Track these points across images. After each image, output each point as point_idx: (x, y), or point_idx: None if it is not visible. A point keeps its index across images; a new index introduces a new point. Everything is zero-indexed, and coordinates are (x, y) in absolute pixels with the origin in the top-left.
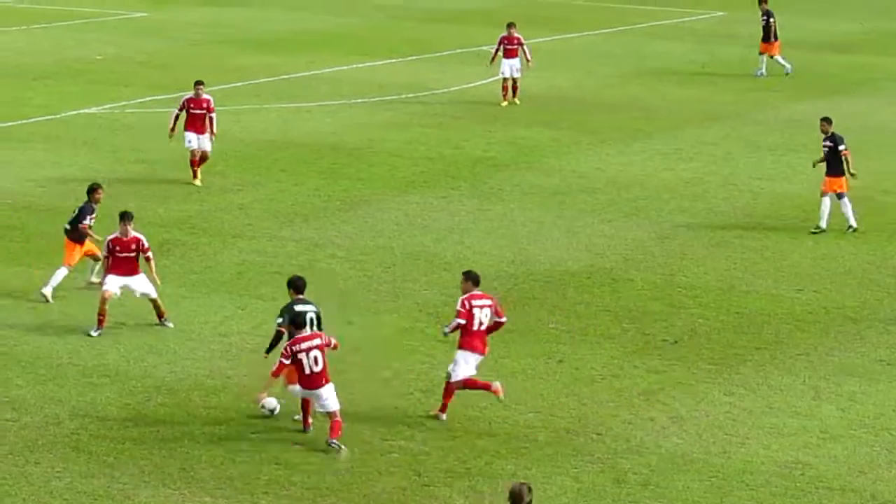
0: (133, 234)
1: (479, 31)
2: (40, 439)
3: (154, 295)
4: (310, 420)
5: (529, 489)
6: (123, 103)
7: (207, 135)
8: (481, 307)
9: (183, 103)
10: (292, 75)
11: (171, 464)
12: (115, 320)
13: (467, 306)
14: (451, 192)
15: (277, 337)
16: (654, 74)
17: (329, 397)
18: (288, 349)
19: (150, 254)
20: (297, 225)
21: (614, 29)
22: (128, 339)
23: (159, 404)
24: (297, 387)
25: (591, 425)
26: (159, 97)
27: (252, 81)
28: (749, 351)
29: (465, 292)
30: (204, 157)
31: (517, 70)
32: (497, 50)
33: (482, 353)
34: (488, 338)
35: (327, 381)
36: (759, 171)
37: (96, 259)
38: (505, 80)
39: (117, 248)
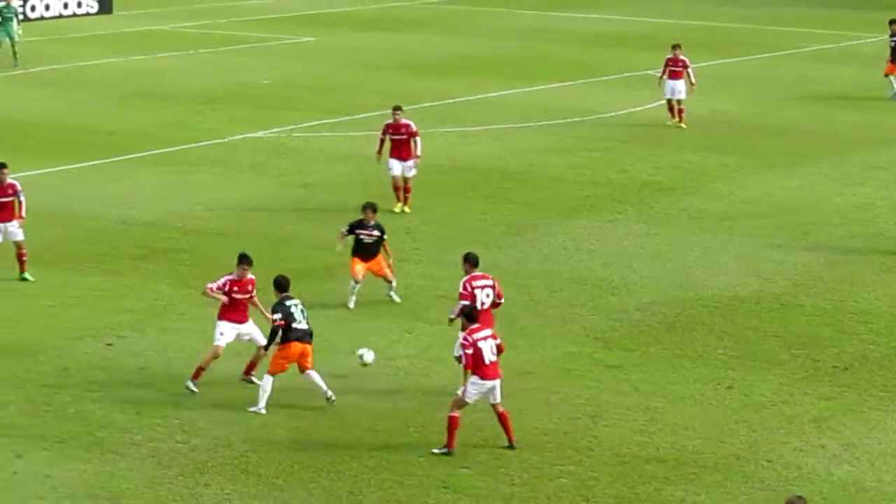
0: (250, 276)
1: (645, 55)
2: (210, 461)
3: (263, 342)
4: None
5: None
6: (290, 127)
7: (411, 161)
8: (482, 287)
9: (384, 128)
10: (457, 99)
11: (340, 487)
12: None
13: (469, 288)
14: (618, 216)
15: (274, 332)
16: (819, 98)
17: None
18: (468, 338)
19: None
20: (462, 249)
21: (779, 53)
22: None
23: (327, 428)
24: (476, 378)
25: (762, 452)
26: (326, 121)
27: (417, 106)
28: None
29: (466, 274)
30: (406, 185)
31: (680, 92)
32: (664, 71)
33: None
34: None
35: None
36: None
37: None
38: (669, 100)
39: (235, 290)
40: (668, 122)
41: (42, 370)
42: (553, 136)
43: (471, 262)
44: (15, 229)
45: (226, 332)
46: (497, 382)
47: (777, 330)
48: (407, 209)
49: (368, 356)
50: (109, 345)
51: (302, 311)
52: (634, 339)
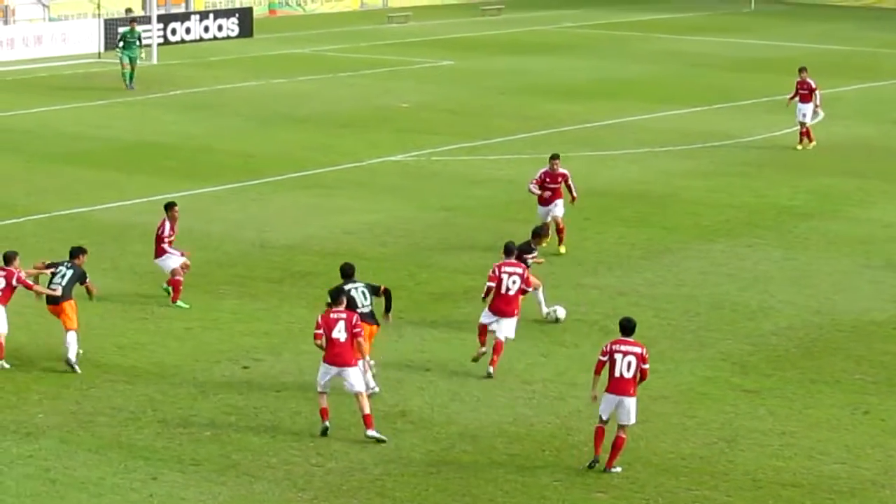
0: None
1: (784, 79)
2: (345, 484)
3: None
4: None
5: None
6: (429, 150)
7: (559, 200)
8: (510, 274)
9: (542, 177)
10: (596, 123)
11: None
12: (423, 367)
13: (497, 272)
14: (756, 240)
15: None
16: None
17: (632, 408)
18: (607, 347)
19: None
20: (600, 273)
21: None
22: (432, 385)
23: (462, 451)
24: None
25: None
26: (464, 145)
27: (557, 129)
28: None
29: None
30: (559, 226)
31: (805, 115)
32: (794, 94)
33: (505, 315)
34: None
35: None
36: None
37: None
38: (802, 123)
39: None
40: (798, 147)
41: (178, 393)
42: (691, 161)
43: (506, 250)
44: None
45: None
46: (622, 399)
47: None
48: (563, 249)
49: (561, 312)
50: (245, 368)
51: (364, 293)
52: (771, 363)
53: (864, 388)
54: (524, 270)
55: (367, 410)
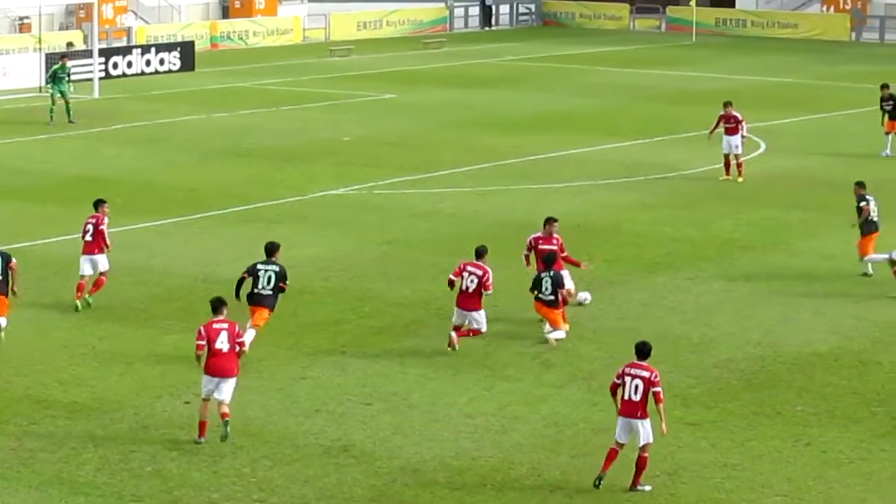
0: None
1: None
2: None
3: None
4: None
5: None
6: (371, 184)
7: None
8: (470, 273)
9: (533, 242)
10: (539, 156)
11: None
12: (365, 401)
13: (461, 267)
14: (698, 273)
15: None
16: None
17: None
18: (621, 369)
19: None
20: None
21: (863, 109)
22: (374, 419)
23: (404, 485)
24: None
25: None
26: (407, 178)
27: (499, 162)
28: None
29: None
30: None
31: (737, 147)
32: (715, 126)
33: (465, 309)
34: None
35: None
36: None
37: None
38: (726, 155)
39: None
40: (722, 178)
41: (119, 428)
42: (634, 193)
43: (476, 252)
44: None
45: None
46: (631, 421)
47: (856, 387)
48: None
49: (586, 297)
50: (187, 403)
51: (270, 278)
52: (713, 396)
53: (806, 420)
54: (486, 273)
55: (224, 410)
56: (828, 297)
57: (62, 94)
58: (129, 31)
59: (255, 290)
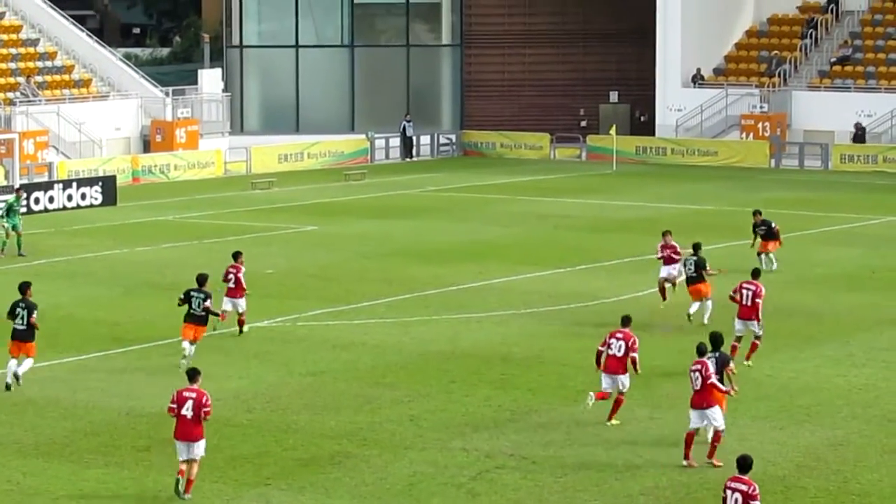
0: None
1: (647, 239)
2: None
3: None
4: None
5: None
6: (295, 316)
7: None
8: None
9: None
10: (461, 286)
11: None
12: None
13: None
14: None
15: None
16: (823, 280)
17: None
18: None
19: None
20: (467, 435)
21: (784, 235)
22: None
23: None
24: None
25: None
26: (330, 309)
27: (421, 293)
28: None
29: None
30: None
31: (681, 272)
32: (661, 255)
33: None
34: None
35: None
36: None
37: None
38: (664, 280)
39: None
40: (661, 306)
41: None
42: (557, 322)
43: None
44: None
45: None
46: None
47: None
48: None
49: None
50: None
51: (199, 302)
52: None
53: None
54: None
55: (192, 477)
56: (752, 423)
57: (14, 227)
58: (50, 166)
59: (191, 311)
